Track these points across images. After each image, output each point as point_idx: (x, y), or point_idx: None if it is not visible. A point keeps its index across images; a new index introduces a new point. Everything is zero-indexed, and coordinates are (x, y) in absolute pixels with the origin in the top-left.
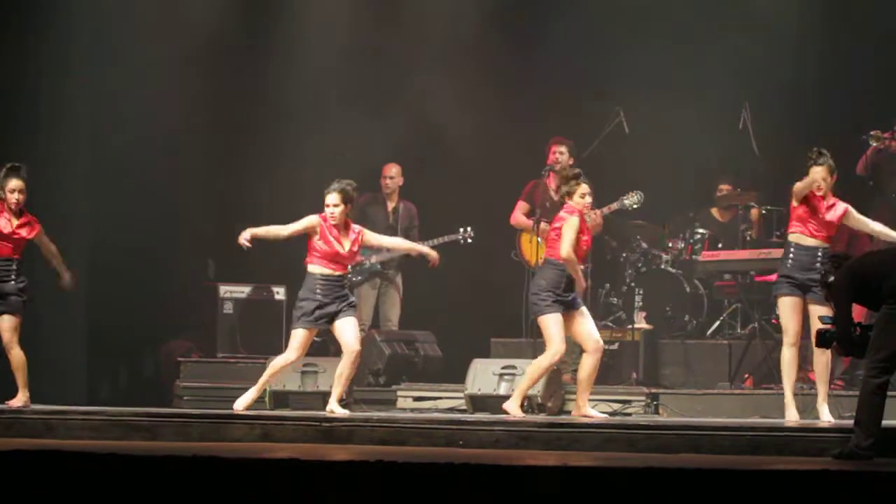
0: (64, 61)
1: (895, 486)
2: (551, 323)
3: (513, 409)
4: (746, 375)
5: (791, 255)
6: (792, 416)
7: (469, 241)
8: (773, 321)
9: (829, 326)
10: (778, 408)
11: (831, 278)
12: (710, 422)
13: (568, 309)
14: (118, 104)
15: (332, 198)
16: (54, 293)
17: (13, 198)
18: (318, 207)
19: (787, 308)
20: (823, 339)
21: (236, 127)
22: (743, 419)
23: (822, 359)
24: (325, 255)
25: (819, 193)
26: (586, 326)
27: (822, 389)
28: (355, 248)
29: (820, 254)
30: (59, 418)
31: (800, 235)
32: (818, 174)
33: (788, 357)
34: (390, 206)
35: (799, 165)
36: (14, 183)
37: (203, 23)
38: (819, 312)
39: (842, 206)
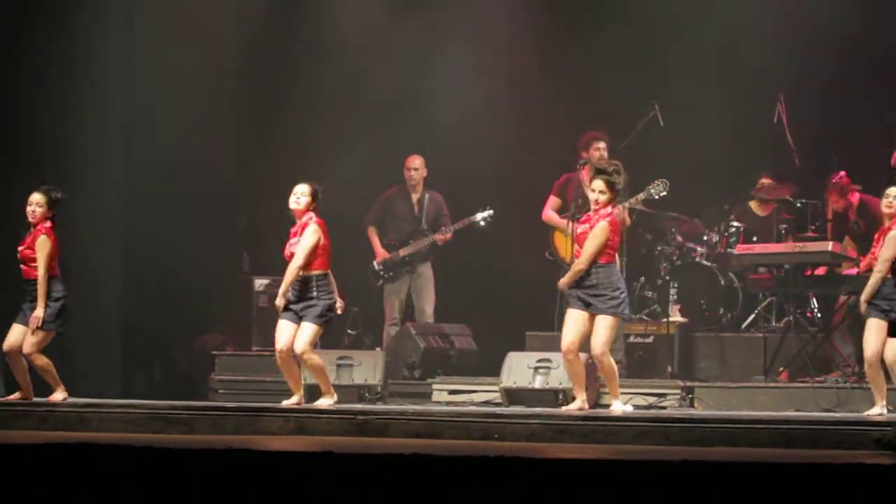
0: (92, 63)
1: None
2: (566, 315)
3: (576, 406)
4: (781, 369)
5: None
6: (876, 411)
7: (488, 220)
8: (808, 315)
9: None
10: (812, 401)
11: None
12: (745, 415)
13: (585, 308)
14: (153, 100)
15: (301, 187)
16: (88, 289)
17: (28, 210)
18: (343, 199)
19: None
20: None
21: (270, 120)
22: (778, 412)
23: (877, 371)
24: (290, 257)
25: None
26: (592, 334)
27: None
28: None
29: None
30: (93, 411)
31: None
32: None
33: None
34: (415, 197)
35: (835, 157)
36: (31, 197)
37: (234, 28)
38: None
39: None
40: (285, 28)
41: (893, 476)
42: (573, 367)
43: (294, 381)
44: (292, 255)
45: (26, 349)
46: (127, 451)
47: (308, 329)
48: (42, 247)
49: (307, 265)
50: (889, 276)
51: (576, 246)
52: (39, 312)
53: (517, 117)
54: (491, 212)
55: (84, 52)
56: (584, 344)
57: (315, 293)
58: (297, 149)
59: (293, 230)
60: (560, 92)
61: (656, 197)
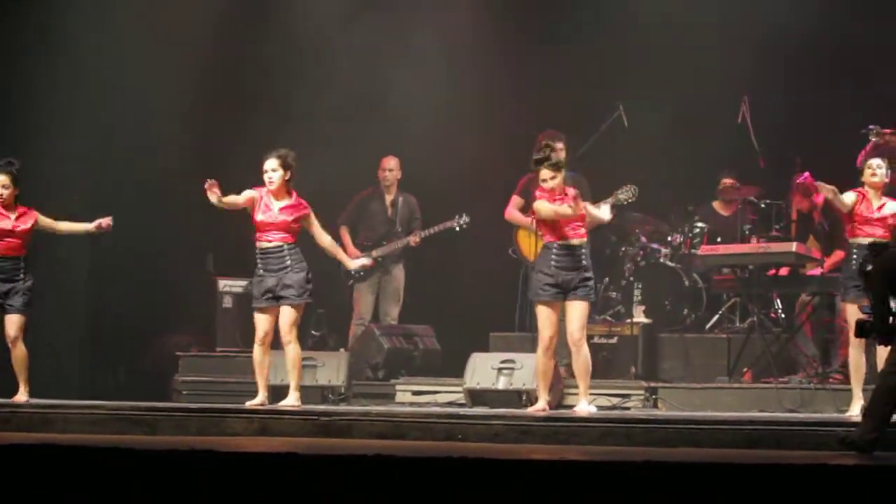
0: (65, 52)
1: (890, 482)
2: (537, 312)
3: (539, 406)
4: (745, 369)
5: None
6: (853, 412)
7: (464, 227)
8: (772, 315)
9: (866, 317)
10: (776, 401)
11: (869, 267)
12: (709, 416)
13: (561, 296)
14: (118, 97)
15: (271, 163)
16: (54, 287)
17: None
18: (312, 199)
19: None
20: (862, 330)
21: (236, 120)
22: (741, 413)
23: (856, 360)
24: (261, 225)
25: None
26: (567, 321)
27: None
28: (294, 221)
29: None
30: (57, 412)
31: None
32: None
33: (854, 357)
34: (388, 199)
35: (798, 158)
36: None
37: (204, 18)
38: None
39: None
40: (257, 27)
41: (856, 477)
42: (550, 362)
43: (262, 379)
44: (276, 220)
45: (16, 333)
46: (90, 452)
47: (290, 312)
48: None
49: (285, 235)
50: (855, 258)
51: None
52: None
53: (482, 118)
54: (468, 218)
55: (53, 49)
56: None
57: (289, 262)
58: (264, 147)
59: (280, 206)
60: (525, 93)
61: (625, 203)
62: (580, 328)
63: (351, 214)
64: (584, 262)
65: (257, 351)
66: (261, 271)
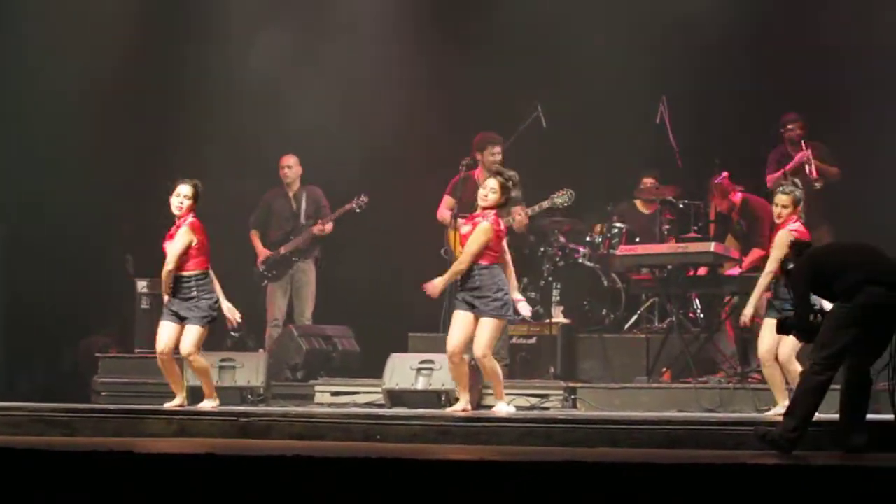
0: None
1: (809, 481)
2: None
3: (459, 407)
4: (664, 369)
5: None
6: (778, 411)
7: (364, 206)
8: (690, 315)
9: (788, 314)
10: (695, 401)
11: (791, 265)
12: (628, 416)
13: (468, 308)
14: (35, 99)
15: (185, 188)
16: None
17: None
18: (234, 205)
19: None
20: (783, 327)
21: (156, 124)
22: (660, 413)
23: (773, 369)
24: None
25: (777, 221)
26: (475, 337)
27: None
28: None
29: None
30: None
31: None
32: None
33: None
34: (291, 195)
35: (717, 159)
36: None
37: (125, 13)
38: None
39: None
40: (166, 31)
41: (775, 476)
42: (458, 369)
43: (176, 383)
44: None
45: None
46: (8, 453)
47: (192, 331)
48: None
49: (182, 265)
50: (780, 276)
51: (460, 248)
52: None
53: (409, 118)
54: (366, 198)
55: None
56: (470, 346)
57: (195, 293)
58: (183, 151)
59: (172, 231)
60: (444, 92)
61: (561, 206)
62: (483, 345)
63: (259, 216)
64: (477, 284)
65: (160, 362)
66: (171, 293)
